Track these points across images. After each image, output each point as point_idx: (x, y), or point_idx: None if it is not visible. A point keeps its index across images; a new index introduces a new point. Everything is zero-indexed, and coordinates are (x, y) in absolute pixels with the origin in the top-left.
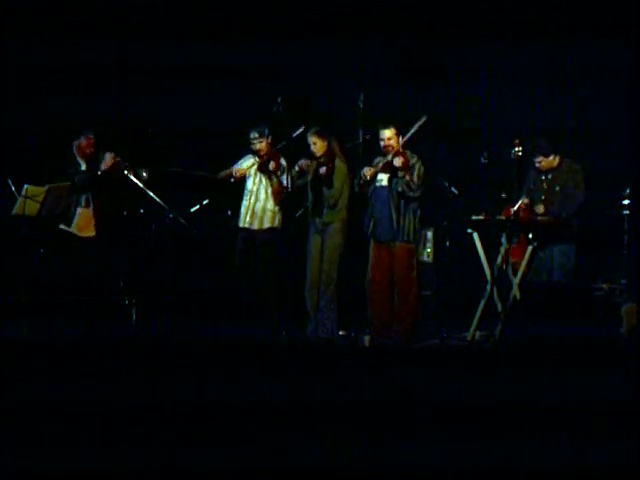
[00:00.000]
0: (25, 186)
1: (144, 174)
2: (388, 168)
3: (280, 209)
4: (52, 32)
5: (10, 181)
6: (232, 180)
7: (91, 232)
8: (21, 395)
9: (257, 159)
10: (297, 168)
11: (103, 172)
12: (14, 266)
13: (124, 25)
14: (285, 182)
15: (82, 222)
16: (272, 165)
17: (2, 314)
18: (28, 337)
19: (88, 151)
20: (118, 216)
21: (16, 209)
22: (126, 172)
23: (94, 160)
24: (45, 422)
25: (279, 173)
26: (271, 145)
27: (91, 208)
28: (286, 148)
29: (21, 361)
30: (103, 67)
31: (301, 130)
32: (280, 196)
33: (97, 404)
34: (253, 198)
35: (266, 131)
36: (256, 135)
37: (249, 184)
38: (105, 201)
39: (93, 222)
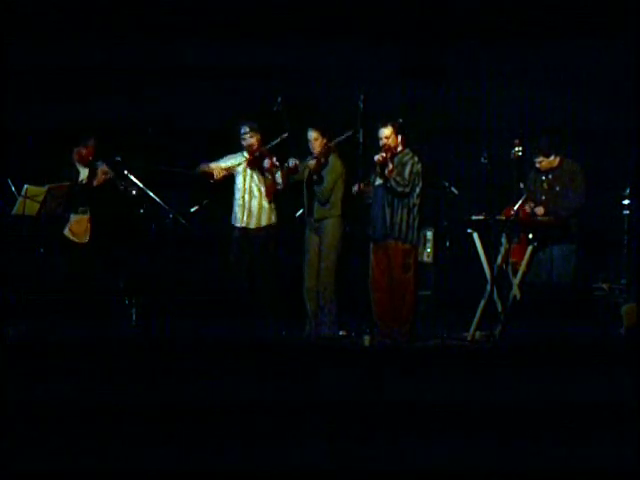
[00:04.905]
0: (25, 186)
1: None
2: (379, 168)
3: (274, 206)
4: (52, 33)
5: (10, 181)
6: (212, 181)
7: (85, 239)
8: (20, 395)
9: (246, 155)
10: (287, 166)
11: (95, 186)
12: (14, 266)
13: (124, 26)
14: (278, 179)
15: (76, 228)
16: (267, 163)
17: (2, 314)
18: (28, 337)
19: (88, 159)
20: (114, 224)
21: (16, 209)
22: (126, 172)
23: (93, 167)
24: (44, 422)
25: (274, 170)
26: (261, 141)
27: (87, 216)
28: (278, 146)
29: (21, 361)
30: (103, 68)
31: (284, 136)
32: (272, 194)
33: (97, 404)
34: (247, 196)
35: (257, 126)
36: (247, 130)
37: (239, 182)
38: (100, 212)
39: (88, 229)
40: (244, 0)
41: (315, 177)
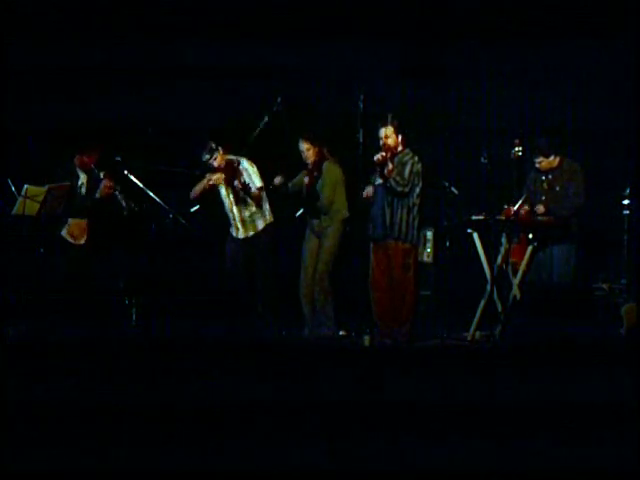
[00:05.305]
0: (25, 186)
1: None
2: (378, 168)
3: (267, 205)
4: (52, 33)
5: (10, 181)
6: (213, 184)
7: (82, 240)
8: (20, 395)
9: (221, 174)
10: (274, 183)
11: (99, 198)
12: (14, 266)
13: (124, 26)
14: (258, 184)
15: (74, 230)
16: (237, 184)
17: (2, 314)
18: (28, 337)
19: (90, 166)
20: (113, 226)
21: (16, 209)
22: (126, 172)
23: (93, 174)
24: (44, 422)
25: (246, 183)
26: (225, 152)
27: (85, 220)
28: (259, 140)
29: (21, 361)
30: (103, 68)
31: (265, 120)
32: (259, 198)
33: (97, 404)
34: (235, 208)
35: (213, 145)
36: (207, 157)
37: (222, 193)
38: (98, 220)
39: (86, 231)
40: (244, 0)
41: (310, 191)
